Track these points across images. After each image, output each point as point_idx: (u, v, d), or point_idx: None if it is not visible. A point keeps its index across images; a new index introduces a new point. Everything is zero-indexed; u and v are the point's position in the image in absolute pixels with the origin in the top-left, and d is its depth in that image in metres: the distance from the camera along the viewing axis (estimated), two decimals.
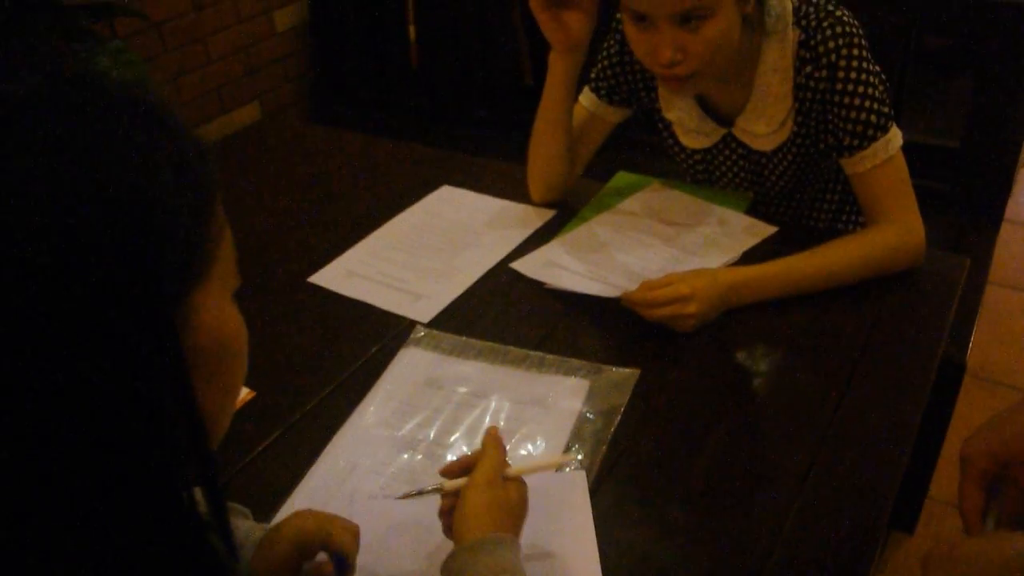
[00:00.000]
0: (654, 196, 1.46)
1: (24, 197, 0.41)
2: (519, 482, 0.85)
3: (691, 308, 1.14)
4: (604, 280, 1.26)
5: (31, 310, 0.41)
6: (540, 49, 2.74)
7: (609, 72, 1.41)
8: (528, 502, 0.85)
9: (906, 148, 1.25)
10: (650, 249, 1.33)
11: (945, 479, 1.81)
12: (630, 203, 1.45)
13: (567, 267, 1.31)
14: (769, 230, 1.34)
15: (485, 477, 0.81)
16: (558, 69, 1.33)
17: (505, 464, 0.84)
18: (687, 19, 1.13)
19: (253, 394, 1.11)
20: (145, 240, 0.44)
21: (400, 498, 0.91)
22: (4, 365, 0.41)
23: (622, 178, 1.52)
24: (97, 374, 0.43)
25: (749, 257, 1.28)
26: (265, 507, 0.94)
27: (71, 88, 0.44)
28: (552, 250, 1.35)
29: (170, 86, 2.60)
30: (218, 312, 0.51)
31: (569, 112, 1.39)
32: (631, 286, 1.19)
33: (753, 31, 1.24)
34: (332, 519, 0.82)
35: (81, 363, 0.43)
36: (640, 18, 1.16)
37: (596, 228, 1.39)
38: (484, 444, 0.85)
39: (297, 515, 0.82)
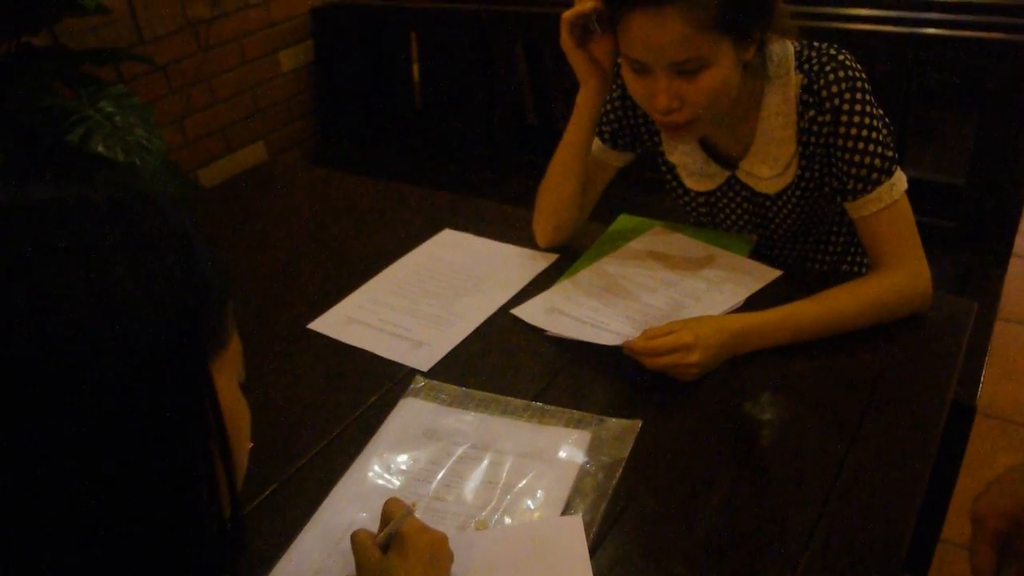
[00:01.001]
0: (657, 240, 1.45)
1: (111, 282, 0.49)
2: (418, 533, 0.85)
3: (694, 357, 1.12)
4: (605, 327, 1.25)
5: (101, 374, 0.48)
6: (543, 89, 2.77)
7: (612, 116, 1.40)
8: (445, 548, 0.86)
9: (911, 186, 1.24)
10: (652, 294, 1.32)
11: (957, 521, 1.78)
12: (632, 247, 1.44)
13: (568, 313, 1.29)
14: (773, 274, 1.33)
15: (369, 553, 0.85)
16: (587, 103, 1.33)
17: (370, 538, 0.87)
18: (685, 68, 1.12)
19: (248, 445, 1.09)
20: (192, 309, 0.53)
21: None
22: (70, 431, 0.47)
23: (625, 221, 1.51)
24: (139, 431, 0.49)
25: (753, 302, 1.27)
26: (261, 564, 0.93)
27: (138, 199, 0.54)
28: (553, 296, 1.34)
29: (175, 126, 2.61)
30: (228, 394, 0.57)
31: (588, 152, 1.38)
32: (633, 333, 1.18)
33: (755, 76, 1.24)
34: None
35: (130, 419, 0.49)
36: (638, 66, 1.15)
37: (598, 273, 1.38)
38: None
39: None
